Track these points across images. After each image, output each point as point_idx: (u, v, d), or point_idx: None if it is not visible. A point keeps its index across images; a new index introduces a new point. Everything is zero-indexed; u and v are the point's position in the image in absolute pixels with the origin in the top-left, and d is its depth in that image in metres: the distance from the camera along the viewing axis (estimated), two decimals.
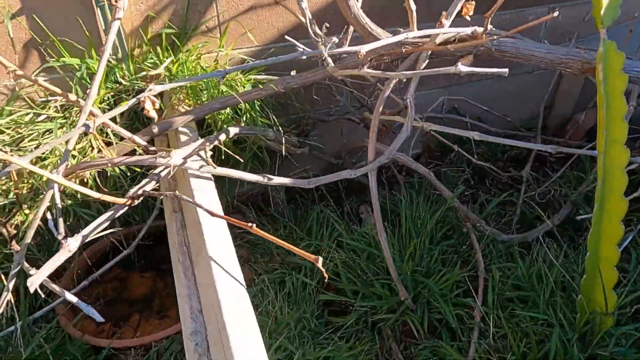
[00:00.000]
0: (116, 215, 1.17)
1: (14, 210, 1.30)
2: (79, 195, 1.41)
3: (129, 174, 1.46)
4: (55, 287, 1.14)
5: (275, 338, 1.49)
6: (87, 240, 1.12)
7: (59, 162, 1.32)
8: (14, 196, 1.31)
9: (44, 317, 1.58)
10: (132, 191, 1.18)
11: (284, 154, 1.69)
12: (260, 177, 1.29)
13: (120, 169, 1.45)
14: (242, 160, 1.50)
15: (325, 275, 0.95)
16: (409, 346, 1.59)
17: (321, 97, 1.91)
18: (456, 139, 2.11)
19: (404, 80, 1.56)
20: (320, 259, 0.94)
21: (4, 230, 1.33)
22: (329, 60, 1.44)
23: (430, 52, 1.37)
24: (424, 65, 1.37)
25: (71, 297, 1.12)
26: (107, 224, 1.16)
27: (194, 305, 1.03)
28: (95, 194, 1.08)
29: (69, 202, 1.39)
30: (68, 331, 1.57)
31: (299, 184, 1.32)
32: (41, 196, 1.24)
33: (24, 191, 1.36)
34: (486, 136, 1.38)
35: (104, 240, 1.81)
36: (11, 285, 1.24)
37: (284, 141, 1.61)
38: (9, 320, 1.39)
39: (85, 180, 1.41)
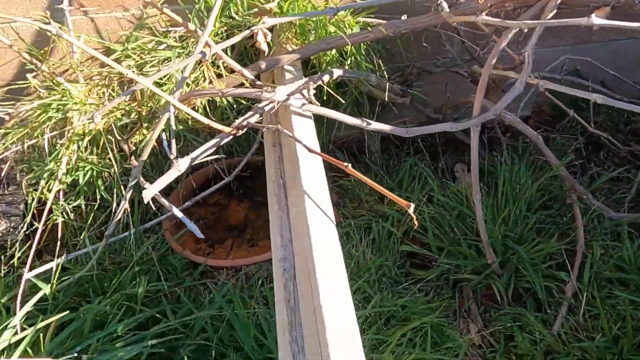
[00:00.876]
0: (221, 143, 1.24)
1: (134, 129, 1.43)
2: (190, 122, 1.51)
3: (235, 106, 1.53)
4: (165, 202, 1.26)
5: (355, 280, 1.54)
6: (193, 164, 1.22)
7: (174, 89, 1.42)
8: (136, 115, 1.43)
9: (152, 229, 1.76)
10: (237, 122, 1.24)
11: (385, 100, 1.67)
12: (359, 121, 1.29)
13: (227, 100, 1.52)
14: (342, 103, 1.50)
15: (415, 223, 0.95)
16: (489, 309, 1.57)
17: (430, 47, 1.84)
18: (572, 104, 1.94)
19: (525, 31, 1.44)
20: (412, 205, 0.93)
21: (125, 147, 1.47)
22: (444, 4, 1.36)
23: (560, 0, 1.24)
24: (550, 15, 1.25)
25: (177, 213, 1.23)
26: (212, 150, 1.24)
27: (285, 235, 1.09)
28: (205, 119, 1.15)
29: (180, 127, 1.50)
30: (171, 245, 1.74)
31: (397, 132, 1.30)
32: (158, 119, 1.35)
33: (144, 112, 1.48)
34: (612, 100, 1.24)
35: (208, 167, 1.95)
36: (128, 195, 1.39)
37: (387, 88, 1.58)
38: (124, 228, 1.56)
39: (196, 108, 1.50)
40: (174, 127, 1.19)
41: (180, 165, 1.19)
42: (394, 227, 1.69)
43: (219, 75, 1.49)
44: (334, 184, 1.92)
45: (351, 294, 1.50)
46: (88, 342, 1.26)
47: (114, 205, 1.46)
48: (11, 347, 1.17)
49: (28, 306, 1.26)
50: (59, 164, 1.39)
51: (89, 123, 1.35)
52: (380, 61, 1.65)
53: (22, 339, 1.15)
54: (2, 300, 1.41)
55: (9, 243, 1.73)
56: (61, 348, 1.25)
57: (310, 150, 1.08)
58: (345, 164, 1.00)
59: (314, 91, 1.30)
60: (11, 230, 1.76)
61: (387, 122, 2.02)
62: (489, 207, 1.65)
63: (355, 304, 1.49)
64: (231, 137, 1.25)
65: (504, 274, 1.53)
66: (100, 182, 1.54)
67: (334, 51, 1.54)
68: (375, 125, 1.30)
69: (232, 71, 1.46)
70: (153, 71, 1.50)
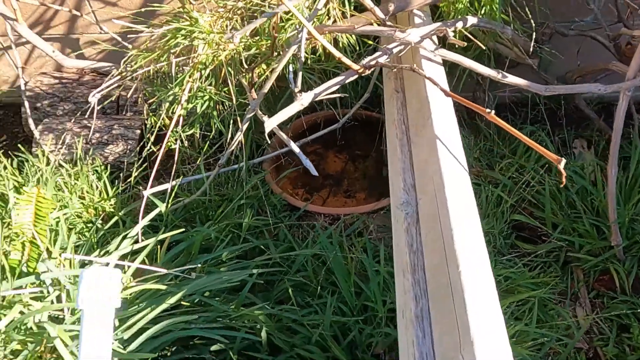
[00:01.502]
0: (346, 81, 1.21)
1: (256, 62, 1.43)
2: (309, 61, 1.49)
3: (357, 48, 1.49)
4: (283, 135, 1.25)
5: None
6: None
7: (296, 25, 1.40)
8: (256, 50, 1.43)
9: (252, 168, 1.78)
10: (366, 60, 1.19)
11: (508, 60, 1.54)
12: (493, 72, 1.20)
13: (349, 41, 1.48)
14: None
15: (563, 181, 0.86)
16: (601, 295, 1.45)
17: (569, 5, 1.66)
18: None
19: None
20: (563, 161, 0.85)
21: (243, 81, 1.48)
22: None
23: None
24: None
25: (295, 147, 1.22)
26: (337, 87, 1.21)
27: (408, 179, 1.05)
28: (337, 53, 1.12)
29: (296, 65, 1.48)
30: (271, 186, 1.76)
31: (535, 88, 1.20)
32: (279, 54, 1.33)
33: (263, 48, 1.48)
34: None
35: (314, 114, 1.93)
36: (245, 127, 1.40)
37: (521, 43, 1.46)
38: (234, 160, 1.59)
39: (317, 47, 1.47)
40: (303, 57, 1.17)
41: (304, 99, 1.17)
42: (505, 193, 1.59)
43: (344, 15, 1.44)
44: None
45: None
46: (196, 263, 1.31)
47: (229, 136, 1.49)
48: (131, 255, 1.24)
49: (146, 220, 1.33)
50: (182, 89, 1.43)
51: (217, 50, 1.36)
52: (513, 15, 1.52)
53: (143, 248, 1.22)
54: (120, 214, 1.51)
55: (125, 164, 1.84)
56: (171, 264, 1.31)
57: (447, 94, 1.02)
58: (488, 110, 0.93)
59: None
60: (127, 152, 1.86)
61: (507, 86, 1.90)
62: (616, 186, 1.50)
63: None
64: (356, 75, 1.21)
65: (627, 260, 1.40)
66: (215, 112, 1.57)
67: None
68: (512, 79, 1.20)
69: (361, 10, 1.41)
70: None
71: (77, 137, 1.88)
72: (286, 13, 1.44)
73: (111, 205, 1.58)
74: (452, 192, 0.87)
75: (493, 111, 0.93)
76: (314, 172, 1.22)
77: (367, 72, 1.20)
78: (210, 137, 1.58)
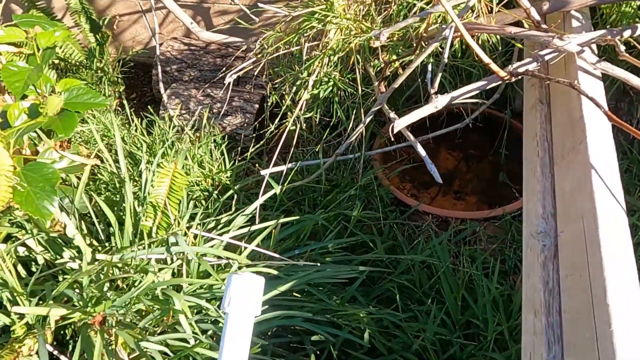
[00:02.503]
0: (488, 86, 1.13)
1: (388, 52, 1.38)
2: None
3: (499, 47, 1.38)
4: (411, 136, 1.21)
5: None
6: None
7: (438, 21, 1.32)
8: (388, 40, 1.37)
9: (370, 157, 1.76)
10: (514, 66, 1.09)
11: None
12: None
13: (491, 40, 1.37)
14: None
15: None
16: None
17: None
18: None
19: None
20: None
21: (370, 70, 1.44)
22: None
23: None
24: None
25: (421, 151, 1.17)
26: (476, 92, 1.13)
27: (547, 206, 0.96)
28: (486, 57, 1.04)
29: (431, 60, 1.41)
30: (380, 179, 1.73)
31: None
32: (417, 48, 1.27)
33: (395, 37, 1.42)
34: None
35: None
36: (368, 120, 1.37)
37: None
38: (354, 149, 1.57)
39: (453, 41, 1.38)
40: (446, 59, 1.10)
41: (439, 102, 1.11)
42: None
43: (490, 10, 1.34)
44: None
45: None
46: (305, 249, 1.33)
47: (350, 124, 1.47)
48: (248, 235, 1.28)
49: (262, 199, 1.37)
50: (310, 73, 1.42)
51: (349, 37, 1.33)
52: None
53: (261, 230, 1.25)
54: (236, 187, 1.56)
55: (242, 137, 1.90)
56: (281, 246, 1.34)
57: (610, 118, 0.91)
58: None
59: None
60: (245, 125, 1.92)
61: None
62: None
63: None
64: (501, 81, 1.12)
65: None
66: (337, 99, 1.55)
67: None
68: None
69: (506, 5, 1.30)
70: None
71: (201, 105, 1.97)
72: (427, 4, 1.37)
73: (227, 177, 1.64)
74: (607, 235, 0.78)
75: None
76: (439, 179, 1.17)
77: (514, 79, 1.11)
78: (330, 123, 1.57)
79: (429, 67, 1.18)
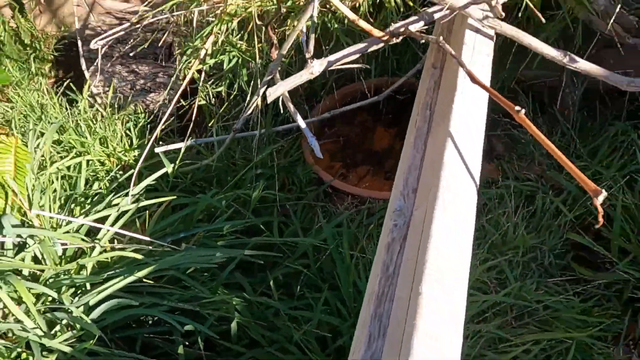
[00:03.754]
0: (368, 49, 1.01)
1: (285, 20, 1.26)
2: (346, 22, 1.28)
3: (402, 9, 1.25)
4: (291, 106, 1.09)
5: (494, 254, 1.24)
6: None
7: None
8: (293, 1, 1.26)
9: (290, 133, 1.65)
10: (394, 26, 0.97)
11: (604, 35, 1.21)
12: (560, 54, 0.92)
13: (395, 2, 1.24)
14: (544, 30, 1.12)
15: (600, 220, 0.62)
16: None
17: None
18: None
19: None
20: (603, 194, 0.61)
21: (272, 35, 1.32)
22: None
23: None
24: None
25: (301, 122, 1.06)
26: (356, 56, 1.01)
27: (411, 181, 0.85)
28: (351, 15, 0.92)
29: (335, 25, 1.29)
30: (304, 154, 1.62)
31: (615, 80, 0.91)
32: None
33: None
34: None
35: (356, 84, 1.72)
36: (262, 91, 1.26)
37: (613, 17, 1.13)
38: (256, 125, 1.46)
39: (357, 5, 1.26)
40: (315, 18, 0.98)
41: (314, 68, 1.00)
42: (566, 206, 1.31)
43: None
44: (503, 131, 1.56)
45: (484, 270, 1.23)
46: (194, 231, 1.23)
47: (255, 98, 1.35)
48: (122, 216, 1.19)
49: (150, 179, 1.27)
50: (204, 42, 1.31)
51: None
52: None
53: (134, 211, 1.15)
54: (139, 166, 1.46)
55: (161, 113, 1.80)
56: (167, 230, 1.24)
57: (473, 79, 0.79)
58: (517, 108, 0.69)
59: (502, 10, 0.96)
60: (167, 102, 1.82)
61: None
62: None
63: (483, 284, 1.21)
64: (382, 44, 1.00)
65: None
66: (244, 71, 1.44)
67: None
68: (584, 65, 0.91)
69: None
70: None
71: (124, 81, 1.87)
72: None
73: (134, 156, 1.54)
74: (442, 213, 0.67)
75: (523, 110, 0.69)
76: (319, 154, 1.06)
77: (395, 40, 0.99)
78: (234, 96, 1.46)
79: (303, 29, 1.05)
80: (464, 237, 0.66)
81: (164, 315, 1.00)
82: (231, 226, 1.27)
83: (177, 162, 1.34)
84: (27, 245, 1.04)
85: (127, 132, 1.66)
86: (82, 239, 1.03)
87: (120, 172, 1.48)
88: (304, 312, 1.14)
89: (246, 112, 1.30)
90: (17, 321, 0.94)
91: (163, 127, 1.64)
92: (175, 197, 1.23)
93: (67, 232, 1.05)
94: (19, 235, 1.01)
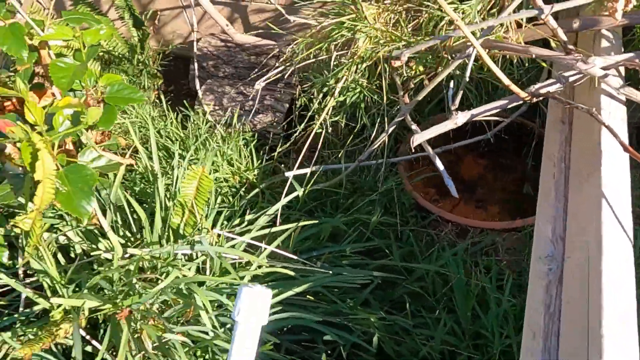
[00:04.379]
0: (508, 106, 1.14)
1: (415, 62, 1.40)
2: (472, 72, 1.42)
3: (526, 64, 1.38)
4: (430, 150, 1.24)
5: None
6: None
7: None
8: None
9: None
10: (535, 87, 1.11)
11: None
12: None
13: (520, 58, 1.37)
14: None
15: None
16: None
17: None
18: None
19: None
20: None
21: (397, 80, 1.46)
22: None
23: None
24: None
25: (439, 165, 1.20)
26: (496, 110, 1.15)
27: (558, 229, 0.98)
28: (505, 79, 1.05)
29: (457, 72, 1.42)
30: (403, 181, 1.76)
31: None
32: (444, 61, 1.29)
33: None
34: None
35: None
36: (391, 129, 1.41)
37: None
38: (377, 155, 1.60)
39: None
40: (467, 76, 1.13)
41: (459, 119, 1.14)
42: None
43: (519, 25, 1.34)
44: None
45: None
46: (323, 251, 1.39)
47: (374, 132, 1.50)
48: (268, 236, 1.35)
49: (284, 201, 1.43)
50: (337, 81, 1.46)
51: (377, 45, 1.36)
52: None
53: (282, 231, 1.31)
54: (262, 186, 1.63)
55: (271, 135, 1.97)
56: (300, 246, 1.40)
57: (625, 148, 0.92)
58: None
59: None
60: (274, 124, 1.98)
61: None
62: None
63: None
64: (522, 102, 1.13)
65: None
66: (363, 105, 1.59)
67: None
68: None
69: (532, 21, 1.30)
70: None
71: (233, 102, 2.04)
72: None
73: (254, 175, 1.71)
74: (609, 268, 0.80)
75: None
76: (455, 194, 1.20)
77: (535, 100, 1.12)
78: (355, 128, 1.61)
79: (451, 84, 1.20)
80: (629, 288, 0.79)
81: (320, 326, 1.15)
82: (354, 248, 1.43)
83: (308, 186, 1.50)
84: (195, 257, 1.21)
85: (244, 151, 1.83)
86: (247, 254, 1.20)
87: (243, 190, 1.65)
88: (424, 330, 1.28)
89: (372, 145, 1.45)
90: (197, 323, 1.11)
91: (276, 146, 1.81)
92: (315, 221, 1.38)
93: (232, 247, 1.22)
94: (191, 248, 1.18)
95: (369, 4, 1.52)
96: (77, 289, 1.07)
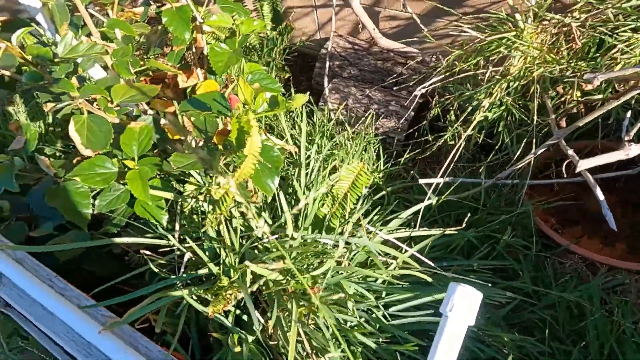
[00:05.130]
0: None
1: (567, 90, 1.37)
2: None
3: None
4: (590, 178, 1.21)
5: None
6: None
7: None
8: (572, 74, 1.37)
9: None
10: None
11: None
12: None
13: None
14: None
15: None
16: None
17: None
18: None
19: None
20: None
21: (548, 102, 1.44)
22: None
23: None
24: None
25: (600, 195, 1.17)
26: None
27: None
28: None
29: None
30: (529, 207, 1.73)
31: None
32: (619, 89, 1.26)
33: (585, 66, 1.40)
34: None
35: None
36: (540, 151, 1.38)
37: None
38: (513, 175, 1.59)
39: None
40: None
41: (632, 151, 1.11)
42: None
43: None
44: None
45: None
46: (452, 262, 1.39)
47: (517, 152, 1.49)
48: (409, 239, 1.37)
49: (418, 207, 1.44)
50: (487, 96, 1.46)
51: (533, 65, 1.35)
52: None
53: (421, 237, 1.33)
54: (388, 189, 1.65)
55: (394, 140, 1.99)
56: (429, 254, 1.41)
57: None
58: None
59: None
60: (398, 130, 2.01)
61: None
62: None
63: None
64: None
65: None
66: (502, 123, 1.58)
67: None
68: None
69: None
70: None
71: (358, 103, 2.09)
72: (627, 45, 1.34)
73: (380, 177, 1.74)
74: None
75: None
76: (613, 226, 1.16)
77: None
78: (488, 144, 1.60)
79: (628, 114, 1.16)
80: None
81: None
82: (483, 264, 1.42)
83: (442, 196, 1.51)
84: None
85: (363, 152, 1.87)
86: (395, 255, 1.23)
87: (369, 191, 1.69)
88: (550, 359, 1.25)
89: (515, 165, 1.43)
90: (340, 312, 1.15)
91: (407, 155, 1.83)
92: (454, 231, 1.39)
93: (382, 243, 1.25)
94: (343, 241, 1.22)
95: (529, 24, 1.51)
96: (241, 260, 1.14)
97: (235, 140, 0.94)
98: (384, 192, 1.64)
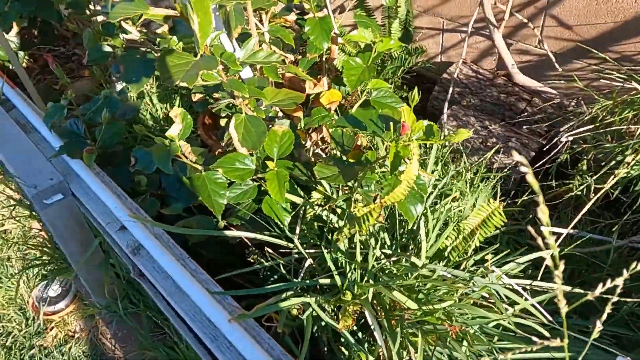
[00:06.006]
0: None
1: None
2: None
3: None
4: None
5: None
6: None
7: None
8: None
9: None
10: None
11: None
12: None
13: None
14: None
15: None
16: None
17: None
18: None
19: None
20: None
21: None
22: None
23: None
24: None
25: None
26: None
27: None
28: None
29: None
30: None
31: None
32: None
33: None
34: None
35: None
36: None
37: None
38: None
39: None
40: None
41: None
42: None
43: None
44: None
45: None
46: (573, 321, 1.33)
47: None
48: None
49: (532, 256, 1.38)
50: (634, 153, 1.38)
51: None
52: None
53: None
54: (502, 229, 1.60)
55: (512, 179, 1.93)
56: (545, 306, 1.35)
57: None
58: None
59: None
60: (516, 168, 1.94)
61: None
62: None
63: None
64: None
65: None
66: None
67: None
68: None
69: None
70: None
71: (477, 134, 2.05)
72: None
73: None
74: None
75: None
76: None
77: None
78: (626, 202, 1.51)
79: None
80: None
81: None
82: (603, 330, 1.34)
83: (566, 248, 1.44)
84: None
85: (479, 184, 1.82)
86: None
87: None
88: None
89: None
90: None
91: (525, 197, 1.77)
92: (578, 289, 1.32)
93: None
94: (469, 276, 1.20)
95: None
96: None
97: (391, 164, 0.95)
98: (497, 232, 1.59)
